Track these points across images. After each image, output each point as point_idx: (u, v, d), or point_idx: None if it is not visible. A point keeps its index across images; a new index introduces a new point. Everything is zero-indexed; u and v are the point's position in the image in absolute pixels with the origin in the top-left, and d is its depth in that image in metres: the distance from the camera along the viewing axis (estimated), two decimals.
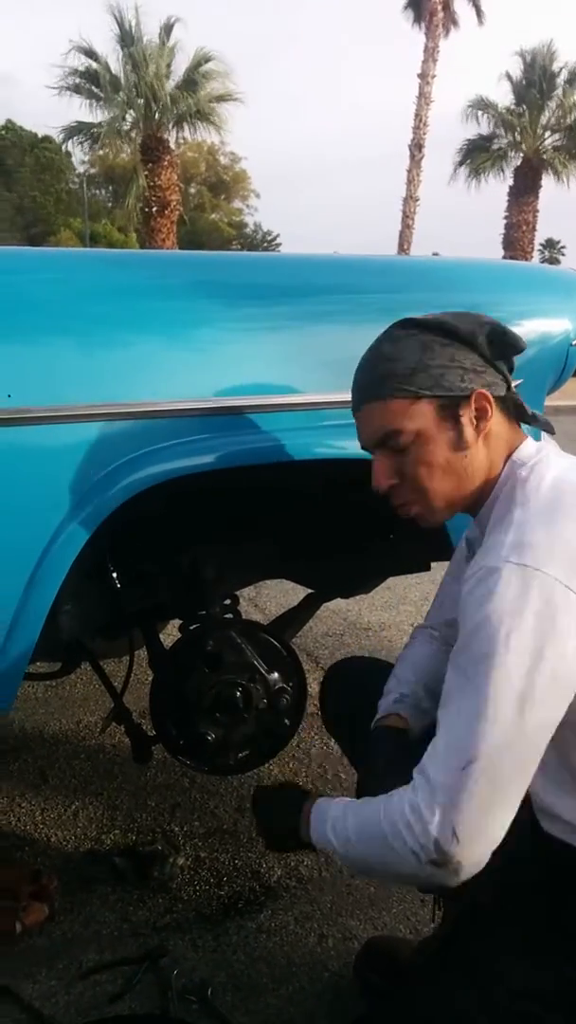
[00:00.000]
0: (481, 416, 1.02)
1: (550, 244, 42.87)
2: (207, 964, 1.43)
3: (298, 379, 1.40)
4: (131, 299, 1.32)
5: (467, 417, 1.01)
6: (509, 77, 21.17)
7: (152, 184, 19.55)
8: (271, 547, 1.76)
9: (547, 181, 21.14)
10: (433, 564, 1.77)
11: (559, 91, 20.74)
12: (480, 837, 0.88)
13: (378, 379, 1.02)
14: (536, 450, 1.04)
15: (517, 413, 1.08)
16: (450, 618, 1.27)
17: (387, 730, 1.20)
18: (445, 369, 1.00)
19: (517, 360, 1.58)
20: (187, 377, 1.32)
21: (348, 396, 1.45)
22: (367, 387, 1.04)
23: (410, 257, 2.24)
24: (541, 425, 1.12)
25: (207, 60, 19.42)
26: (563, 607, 0.87)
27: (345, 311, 1.51)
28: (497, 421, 1.03)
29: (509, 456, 1.03)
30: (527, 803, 1.14)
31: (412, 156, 21.70)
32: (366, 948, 1.41)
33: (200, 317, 1.35)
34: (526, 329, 1.53)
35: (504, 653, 0.86)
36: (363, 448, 1.10)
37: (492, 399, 1.02)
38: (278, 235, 42.48)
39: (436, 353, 1.01)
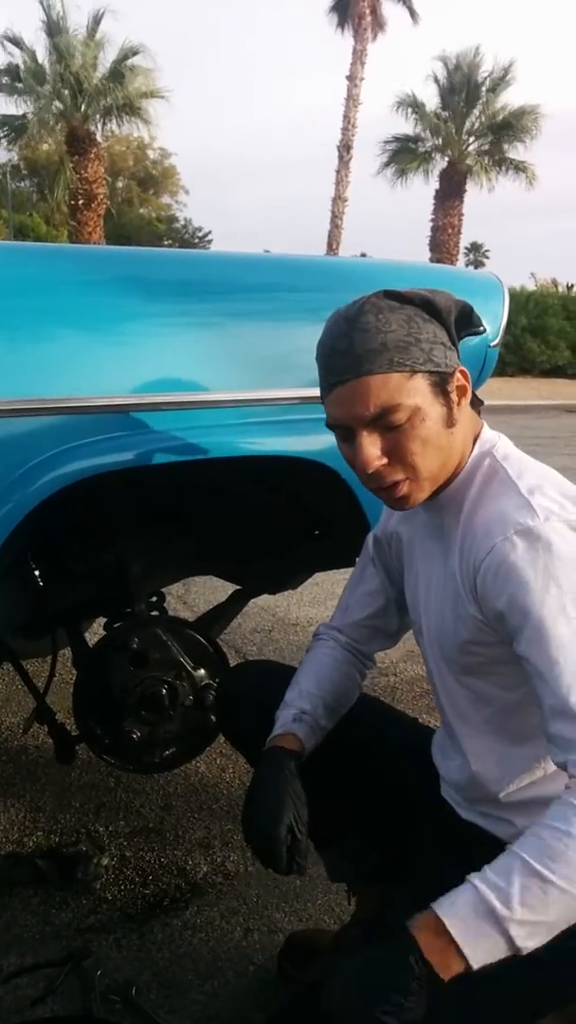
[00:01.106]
0: (462, 394, 1.01)
1: (475, 248, 43.81)
2: (132, 964, 1.42)
3: (224, 377, 1.40)
4: (56, 293, 1.30)
5: (453, 394, 1.00)
6: (436, 80, 21.54)
7: (79, 177, 19.21)
8: (197, 544, 1.76)
9: (472, 185, 21.65)
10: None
11: (483, 99, 21.20)
12: None
13: (371, 351, 0.95)
14: (495, 434, 1.06)
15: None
16: (357, 619, 1.28)
17: (279, 755, 1.14)
18: (432, 345, 0.97)
19: None
20: (112, 373, 1.31)
21: (274, 393, 1.48)
22: (358, 360, 0.96)
23: (337, 258, 2.28)
24: (478, 405, 1.13)
25: (134, 53, 19.18)
26: None
27: (272, 310, 1.52)
28: (467, 399, 1.04)
29: (475, 437, 1.04)
30: (436, 785, 1.18)
31: (340, 157, 21.95)
32: (287, 944, 1.42)
33: (125, 313, 1.34)
34: None
35: None
36: (341, 427, 1.01)
37: (468, 377, 1.02)
38: (210, 232, 42.20)
39: (421, 328, 0.97)
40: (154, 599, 1.80)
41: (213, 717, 1.62)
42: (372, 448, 0.98)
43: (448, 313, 1.00)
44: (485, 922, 0.81)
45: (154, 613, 1.72)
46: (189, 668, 1.61)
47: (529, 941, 0.81)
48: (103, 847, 1.72)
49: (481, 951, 0.81)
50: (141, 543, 1.64)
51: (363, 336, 0.96)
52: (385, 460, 0.99)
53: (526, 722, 1.01)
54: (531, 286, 20.85)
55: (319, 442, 1.42)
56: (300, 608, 3.27)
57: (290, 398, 1.45)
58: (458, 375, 1.00)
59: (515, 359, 17.05)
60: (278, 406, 1.44)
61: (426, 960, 0.81)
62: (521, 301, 17.58)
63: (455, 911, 0.82)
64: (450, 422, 1.00)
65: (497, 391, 14.12)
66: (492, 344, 1.66)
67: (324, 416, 1.05)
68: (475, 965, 0.81)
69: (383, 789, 1.23)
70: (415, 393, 0.96)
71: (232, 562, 1.89)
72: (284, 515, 1.70)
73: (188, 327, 1.39)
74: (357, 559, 1.33)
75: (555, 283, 22.71)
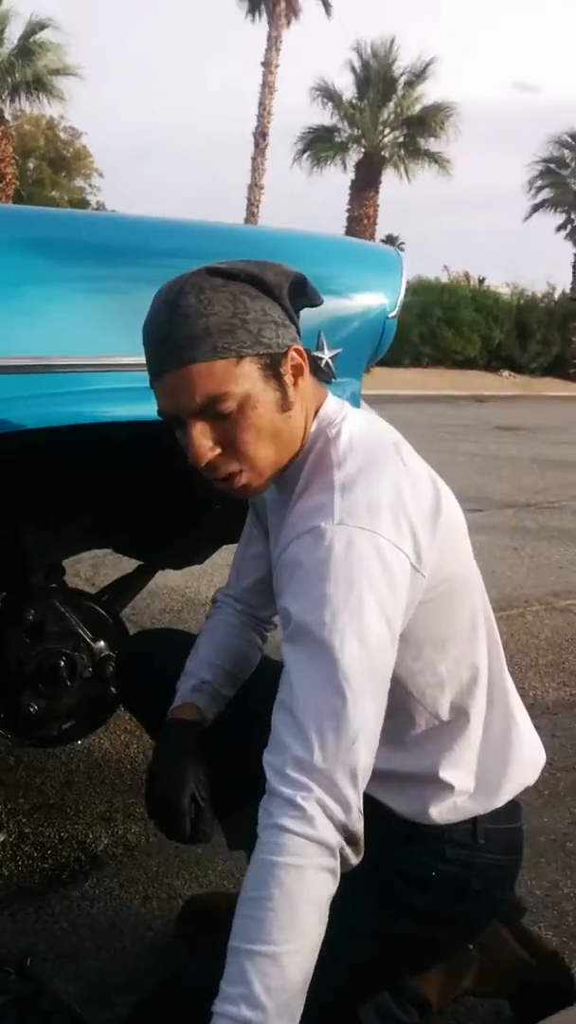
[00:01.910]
0: (298, 373, 0.97)
1: (390, 240, 44.33)
2: (27, 936, 1.39)
3: (126, 340, 1.37)
4: None
5: (287, 375, 0.95)
6: (353, 69, 21.52)
7: None
8: (94, 516, 1.73)
9: (388, 177, 21.86)
10: None
11: (399, 92, 21.38)
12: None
13: (192, 338, 0.90)
14: (339, 406, 1.03)
15: (312, 367, 1.04)
16: (248, 584, 1.27)
17: (180, 726, 1.15)
18: (261, 324, 0.92)
19: (339, 333, 1.61)
20: (8, 333, 1.26)
21: None
22: (179, 348, 0.90)
23: (248, 226, 2.28)
24: (326, 375, 1.10)
25: (42, 27, 18.57)
26: (396, 565, 0.88)
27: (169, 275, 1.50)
28: (305, 377, 1.00)
29: (316, 413, 1.01)
30: None
31: (257, 144, 21.83)
32: (185, 907, 1.42)
33: (27, 274, 1.30)
34: (349, 303, 1.60)
35: (355, 615, 0.85)
36: (170, 417, 0.95)
37: (304, 354, 0.98)
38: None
39: (248, 306, 0.92)
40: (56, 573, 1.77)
41: (113, 689, 1.60)
42: (203, 439, 0.93)
43: (280, 288, 0.95)
44: None
45: (52, 586, 1.69)
46: (88, 639, 1.59)
47: (294, 1022, 0.78)
48: (1, 824, 1.69)
49: None
50: (37, 512, 1.60)
51: (184, 321, 0.90)
52: (218, 451, 0.94)
53: None
54: (445, 278, 21.26)
55: None
56: (210, 589, 3.26)
57: None
58: (292, 354, 0.96)
59: (430, 350, 17.38)
60: None
61: None
62: (436, 292, 17.93)
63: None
64: (285, 406, 0.95)
65: (412, 381, 14.42)
66: (390, 315, 1.69)
67: None
68: None
69: None
70: (243, 380, 0.92)
71: (131, 536, 1.87)
72: (183, 487, 1.69)
73: (92, 291, 1.36)
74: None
75: (467, 276, 23.21)
